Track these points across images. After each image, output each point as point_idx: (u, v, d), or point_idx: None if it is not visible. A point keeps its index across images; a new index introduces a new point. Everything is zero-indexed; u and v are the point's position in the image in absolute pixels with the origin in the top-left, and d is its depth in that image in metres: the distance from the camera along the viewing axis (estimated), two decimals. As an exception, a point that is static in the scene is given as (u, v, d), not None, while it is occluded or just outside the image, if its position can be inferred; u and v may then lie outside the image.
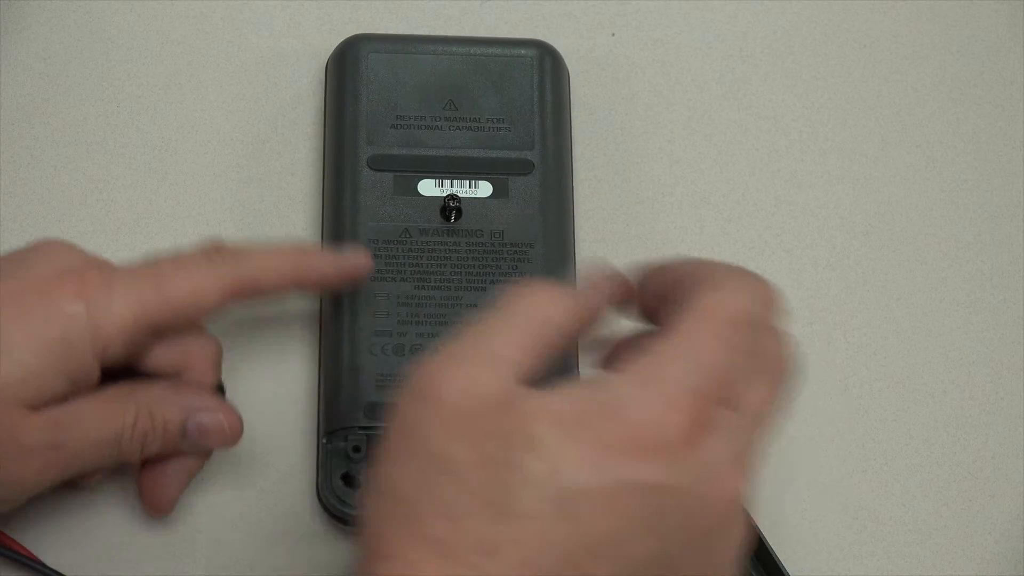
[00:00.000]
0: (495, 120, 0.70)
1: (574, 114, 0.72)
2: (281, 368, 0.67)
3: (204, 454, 0.64)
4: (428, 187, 0.68)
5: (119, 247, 0.69)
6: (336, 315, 0.66)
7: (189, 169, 0.71)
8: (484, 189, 0.68)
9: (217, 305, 0.61)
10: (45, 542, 0.64)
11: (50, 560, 0.63)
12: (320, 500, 0.64)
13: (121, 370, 0.61)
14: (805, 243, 0.72)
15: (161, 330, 0.61)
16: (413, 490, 0.47)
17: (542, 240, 0.67)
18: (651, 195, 0.72)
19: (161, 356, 0.62)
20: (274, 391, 0.67)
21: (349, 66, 0.70)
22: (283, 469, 0.65)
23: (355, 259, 0.65)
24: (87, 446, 0.60)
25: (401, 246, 0.67)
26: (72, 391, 0.59)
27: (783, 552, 0.65)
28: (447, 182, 0.68)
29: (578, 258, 0.69)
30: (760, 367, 0.50)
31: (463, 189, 0.68)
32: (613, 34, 0.75)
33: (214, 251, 0.62)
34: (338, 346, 0.65)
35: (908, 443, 0.68)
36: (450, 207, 0.67)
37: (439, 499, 0.47)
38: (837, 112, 0.74)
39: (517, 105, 0.70)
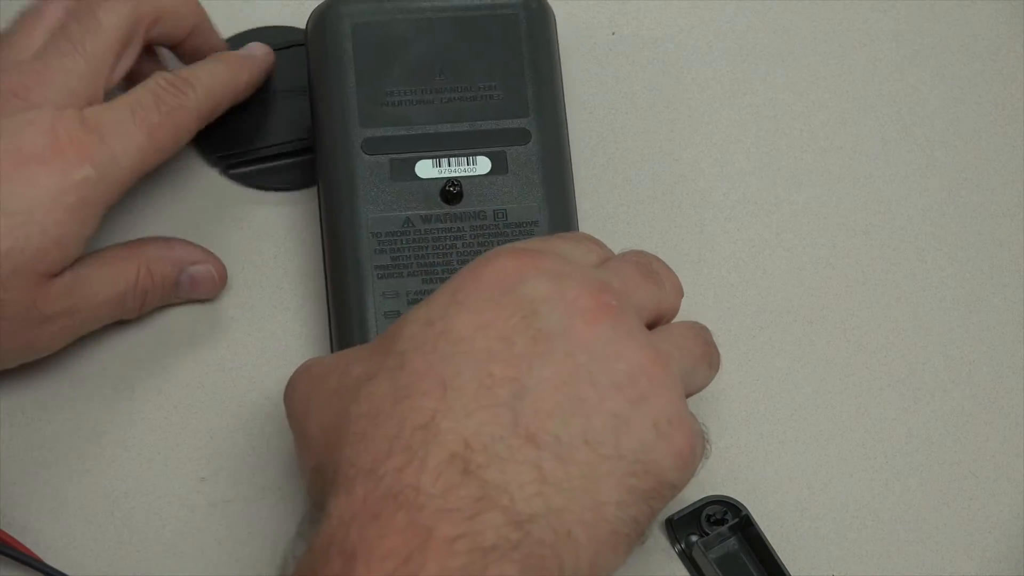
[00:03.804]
0: (487, 87, 0.68)
1: (574, 114, 0.72)
2: (288, 368, 0.67)
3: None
4: (426, 168, 0.67)
5: (117, 240, 0.69)
6: (345, 316, 0.65)
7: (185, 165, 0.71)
8: (483, 165, 0.67)
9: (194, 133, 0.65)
10: (45, 541, 0.63)
11: (50, 560, 0.63)
12: (323, 499, 0.64)
13: None
14: (805, 242, 0.72)
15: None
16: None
17: (546, 218, 0.67)
18: (651, 195, 0.72)
19: None
20: (280, 390, 0.66)
21: (330, 36, 0.68)
22: (287, 468, 0.65)
23: (260, 55, 0.69)
24: (96, 307, 0.63)
25: (404, 237, 0.66)
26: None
27: (783, 552, 0.65)
28: (444, 161, 0.67)
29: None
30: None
31: (461, 167, 0.67)
32: (613, 33, 0.75)
33: (180, 86, 0.64)
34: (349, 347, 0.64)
35: (908, 442, 0.68)
36: (450, 192, 0.66)
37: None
38: (837, 112, 0.74)
39: (506, 63, 0.68)
